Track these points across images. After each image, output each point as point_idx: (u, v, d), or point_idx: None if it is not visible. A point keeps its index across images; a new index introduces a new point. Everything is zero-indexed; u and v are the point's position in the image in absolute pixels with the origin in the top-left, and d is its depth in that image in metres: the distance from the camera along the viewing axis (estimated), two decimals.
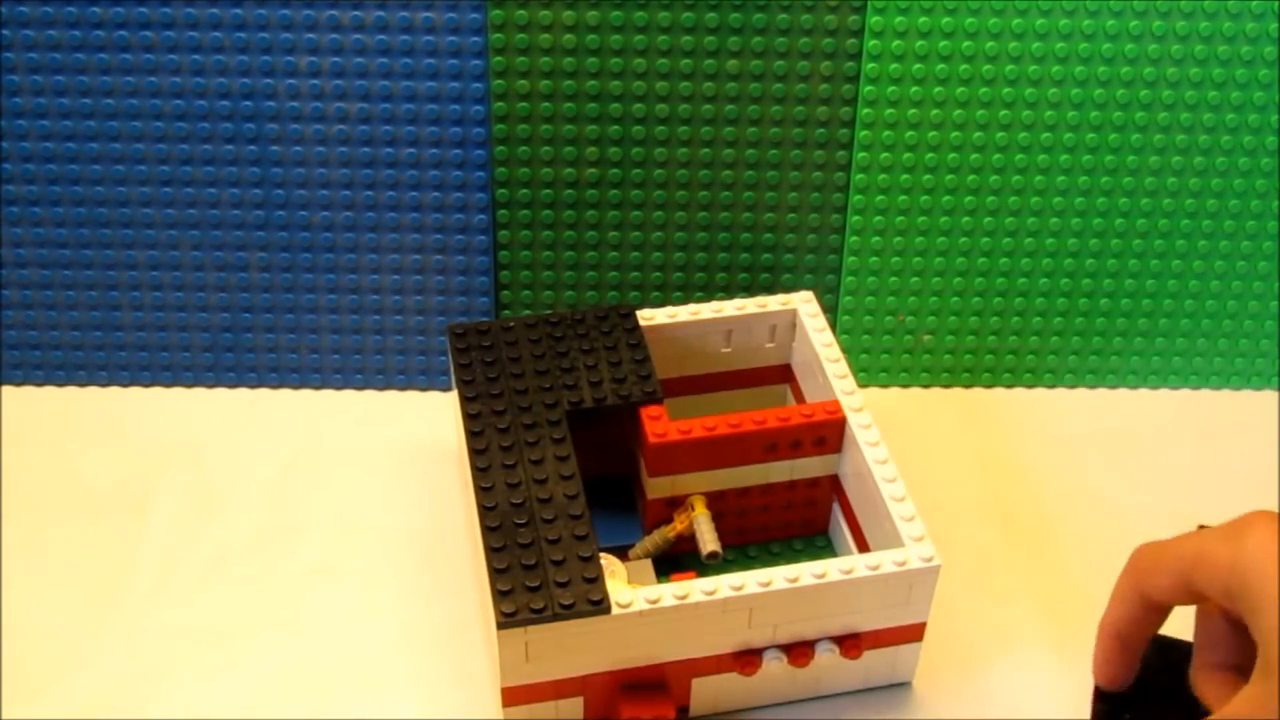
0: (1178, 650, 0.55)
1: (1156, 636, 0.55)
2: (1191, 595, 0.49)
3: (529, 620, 0.50)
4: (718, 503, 0.60)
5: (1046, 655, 0.59)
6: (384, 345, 0.71)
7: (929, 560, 0.53)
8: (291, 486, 0.66)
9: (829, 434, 0.59)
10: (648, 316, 0.63)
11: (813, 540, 0.63)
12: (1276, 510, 0.48)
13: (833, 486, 0.61)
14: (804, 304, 0.64)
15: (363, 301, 0.70)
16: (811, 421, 0.59)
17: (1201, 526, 0.50)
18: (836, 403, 0.59)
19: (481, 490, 0.55)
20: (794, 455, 0.60)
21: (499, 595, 0.51)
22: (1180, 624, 0.51)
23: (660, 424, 0.58)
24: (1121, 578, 0.51)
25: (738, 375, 0.66)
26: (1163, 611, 0.51)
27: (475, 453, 0.56)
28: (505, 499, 0.54)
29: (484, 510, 0.54)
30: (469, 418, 0.58)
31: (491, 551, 0.52)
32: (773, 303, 0.64)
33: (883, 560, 0.53)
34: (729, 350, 0.65)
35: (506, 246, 0.69)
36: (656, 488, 0.60)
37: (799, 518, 0.63)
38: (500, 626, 0.50)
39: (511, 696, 0.53)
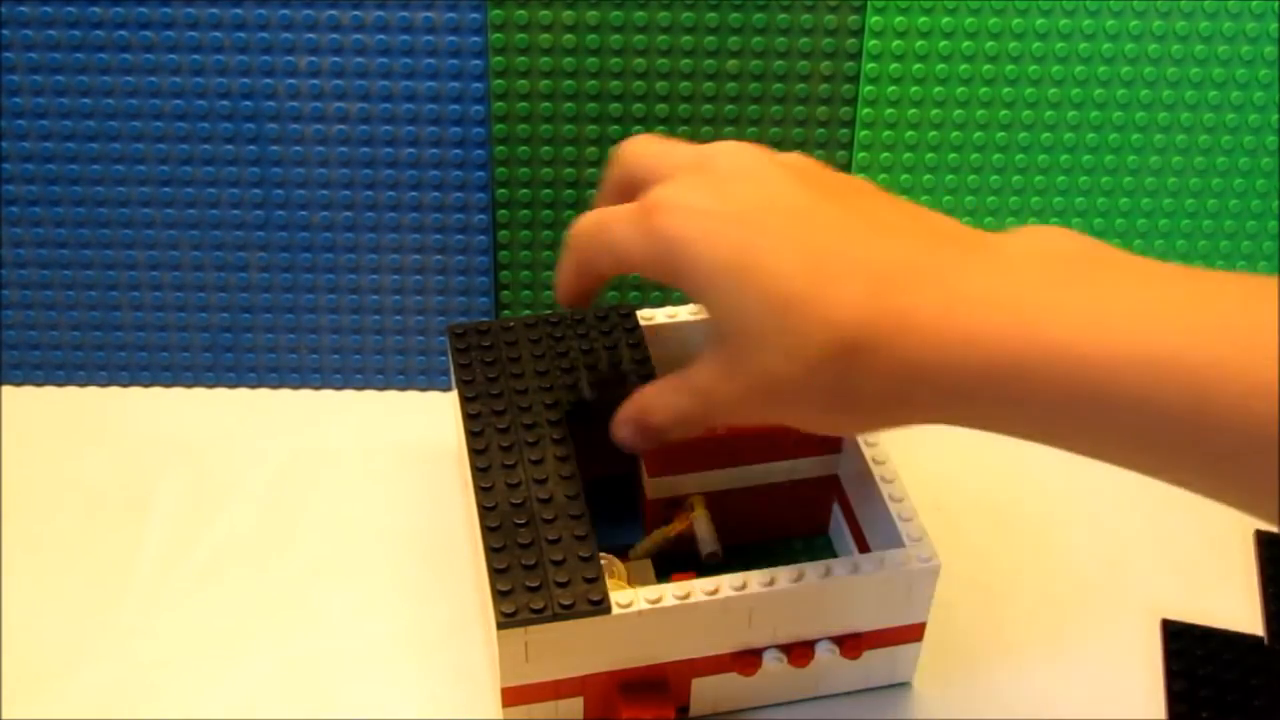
0: (1252, 648, 0.56)
1: (1229, 633, 0.56)
2: (622, 269, 0.50)
3: (529, 620, 0.50)
4: (718, 503, 0.60)
5: (1046, 655, 0.59)
6: (384, 345, 0.71)
7: (929, 560, 0.53)
8: (291, 486, 0.66)
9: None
10: (647, 316, 0.63)
11: (813, 540, 0.63)
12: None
13: (833, 487, 0.61)
14: None
15: (363, 301, 0.70)
16: None
17: None
18: None
19: (481, 490, 0.55)
20: (794, 455, 0.60)
21: (499, 595, 0.51)
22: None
23: None
24: (563, 255, 0.52)
25: None
26: (604, 278, 0.53)
27: (475, 453, 0.56)
28: (505, 499, 0.54)
29: (484, 510, 0.54)
30: (469, 418, 0.58)
31: (491, 551, 0.52)
32: None
33: (882, 560, 0.53)
34: None
35: (506, 246, 0.69)
36: (656, 488, 0.60)
37: (799, 518, 0.62)
38: (500, 626, 0.50)
39: (511, 697, 0.53)
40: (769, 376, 0.45)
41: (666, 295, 0.71)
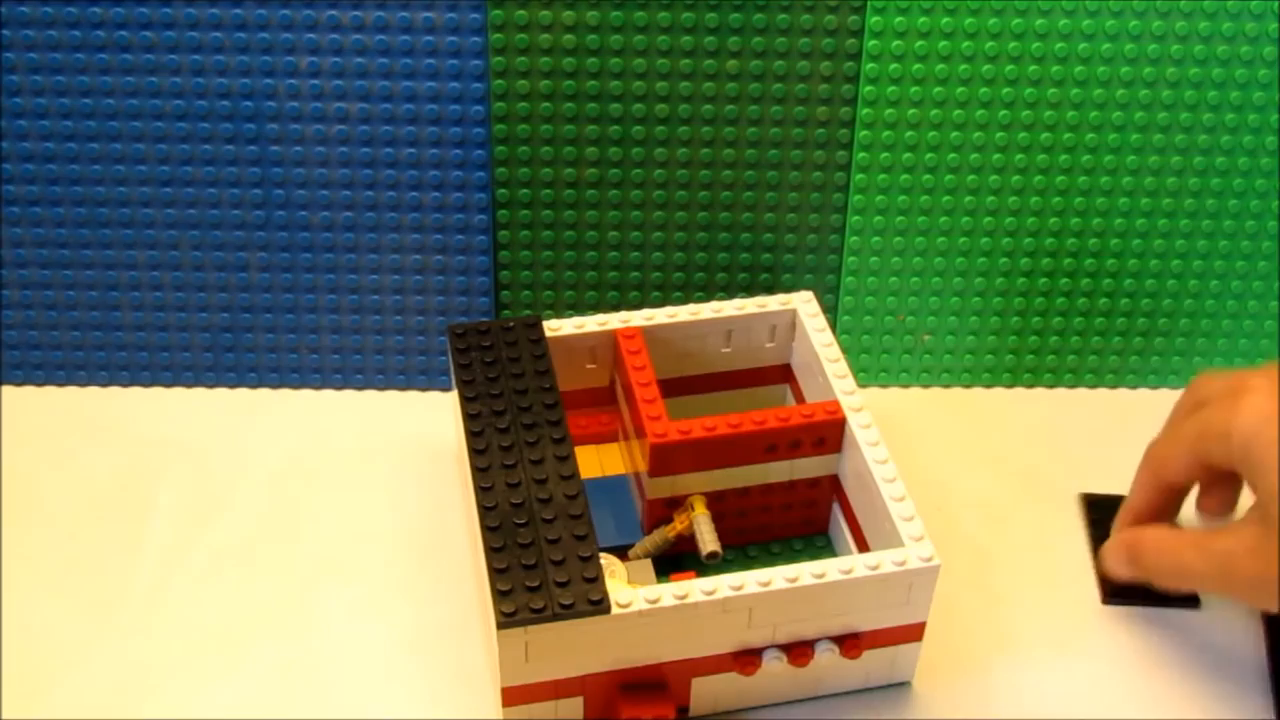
0: None
1: None
2: (1203, 469, 0.54)
3: (529, 620, 0.50)
4: (717, 503, 0.60)
5: (1046, 655, 0.59)
6: (384, 345, 0.71)
7: (928, 560, 0.53)
8: (291, 486, 0.66)
9: (829, 434, 0.59)
10: (648, 316, 0.63)
11: (813, 540, 0.63)
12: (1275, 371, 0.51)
13: (833, 486, 0.61)
14: (804, 304, 0.64)
15: (363, 301, 0.70)
16: (811, 421, 0.59)
17: None
18: (836, 403, 0.59)
19: (481, 490, 0.55)
20: (794, 455, 0.60)
21: (499, 595, 0.51)
22: None
23: (660, 424, 0.58)
24: (1140, 471, 0.57)
25: (738, 375, 0.66)
26: (1180, 493, 0.57)
27: (475, 453, 0.56)
28: (505, 499, 0.54)
29: (484, 510, 0.54)
30: (469, 418, 0.58)
31: (491, 551, 0.52)
32: (772, 303, 0.64)
33: (882, 560, 0.53)
34: (729, 350, 0.65)
35: (506, 246, 0.69)
36: (656, 488, 0.60)
37: (799, 518, 0.62)
38: (500, 626, 0.50)
39: (511, 696, 0.53)
40: None
41: (666, 295, 0.71)
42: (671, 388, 0.64)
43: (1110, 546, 0.58)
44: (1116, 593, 0.60)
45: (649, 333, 0.63)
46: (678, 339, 0.64)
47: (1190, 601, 0.60)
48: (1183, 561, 0.54)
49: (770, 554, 0.63)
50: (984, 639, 0.60)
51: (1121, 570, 0.57)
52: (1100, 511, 0.63)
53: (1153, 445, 0.57)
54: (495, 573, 0.52)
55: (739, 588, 0.52)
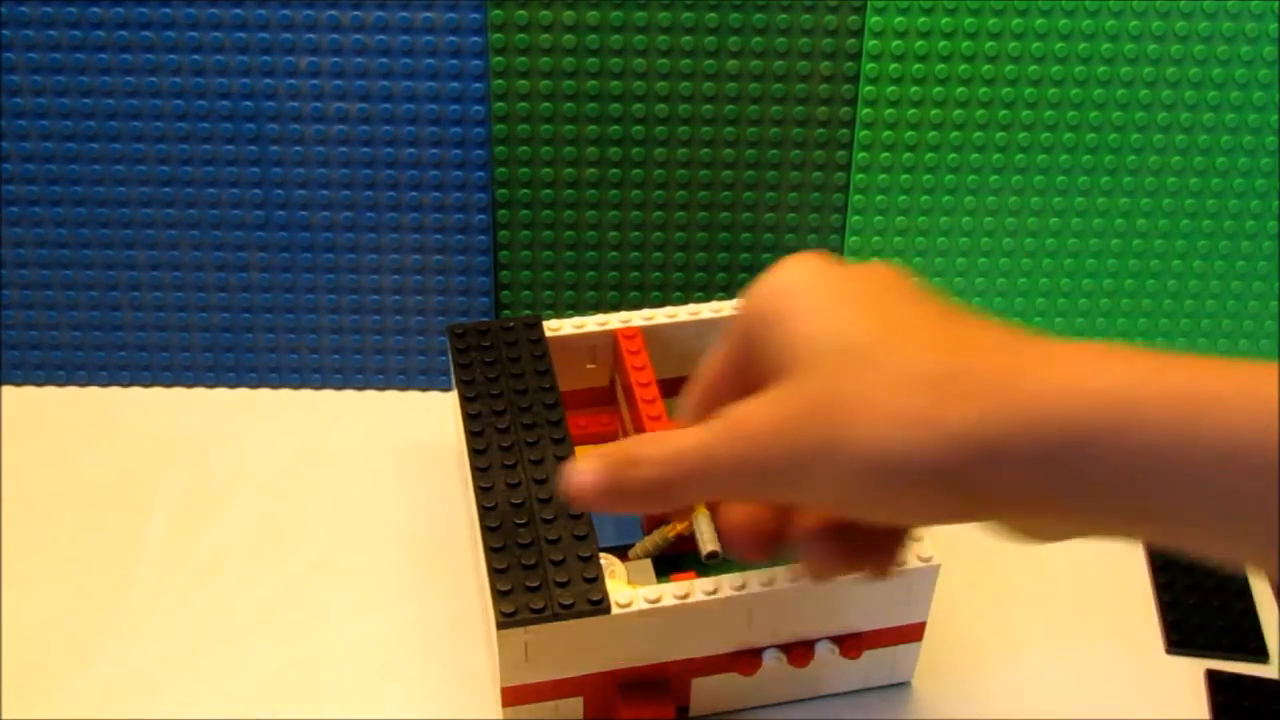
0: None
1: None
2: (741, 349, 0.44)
3: (529, 620, 0.50)
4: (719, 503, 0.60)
5: (1046, 655, 0.59)
6: (384, 345, 0.71)
7: (928, 560, 0.53)
8: (291, 486, 0.66)
9: None
10: (648, 316, 0.63)
11: None
12: None
13: None
14: None
15: (363, 301, 0.70)
16: None
17: None
18: None
19: (481, 490, 0.55)
20: None
21: (499, 595, 0.51)
22: None
23: (660, 424, 0.58)
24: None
25: None
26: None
27: (475, 452, 0.56)
28: (505, 499, 0.54)
29: (484, 510, 0.54)
30: (469, 418, 0.58)
31: (491, 551, 0.52)
32: None
33: None
34: None
35: (506, 246, 0.69)
36: None
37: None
38: (500, 626, 0.50)
39: (511, 696, 0.53)
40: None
41: (666, 295, 0.71)
42: (672, 388, 0.64)
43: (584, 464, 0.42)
44: (1181, 642, 0.58)
45: (649, 333, 0.63)
46: (678, 339, 0.64)
47: (1257, 653, 0.59)
48: (683, 461, 0.40)
49: None
50: (984, 639, 0.60)
51: (596, 497, 0.42)
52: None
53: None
54: (495, 572, 0.52)
55: (739, 587, 0.52)
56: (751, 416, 0.40)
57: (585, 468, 0.42)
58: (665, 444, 0.41)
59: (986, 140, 0.67)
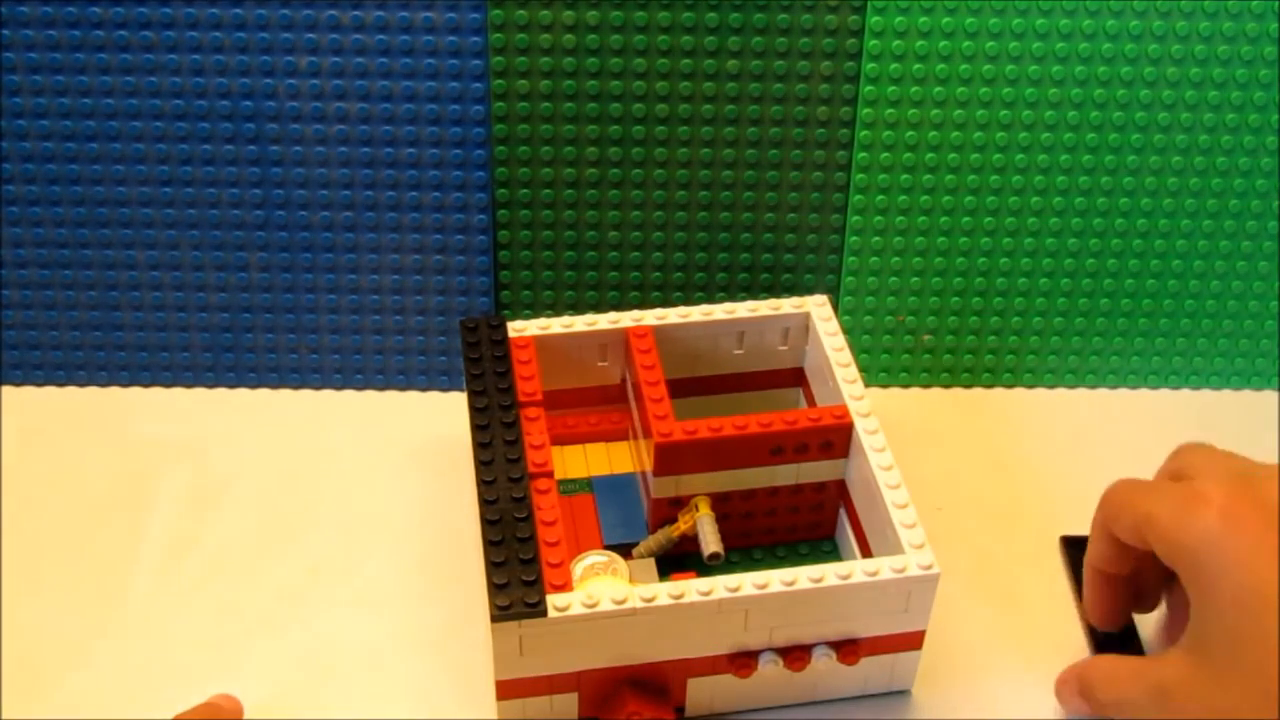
0: None
1: None
2: (1145, 549, 0.51)
3: (523, 614, 0.50)
4: (723, 504, 0.60)
5: (1047, 663, 0.58)
6: (384, 345, 0.71)
7: (928, 568, 0.53)
8: (292, 486, 0.66)
9: (835, 439, 0.59)
10: (660, 315, 0.63)
11: (819, 545, 0.63)
12: (1220, 465, 0.49)
13: (839, 491, 0.61)
14: (817, 307, 0.64)
15: (363, 301, 0.70)
16: (818, 426, 0.59)
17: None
18: (844, 407, 0.59)
19: (484, 484, 0.55)
20: (800, 459, 0.60)
21: (494, 588, 0.51)
22: None
23: (666, 424, 0.58)
24: (1095, 513, 0.54)
25: (750, 378, 0.66)
26: (1131, 550, 0.53)
27: (480, 446, 0.56)
28: (507, 494, 0.55)
29: (485, 504, 0.54)
30: (475, 411, 0.58)
31: (489, 545, 0.52)
32: (786, 305, 0.64)
33: (881, 567, 0.53)
34: (741, 352, 0.65)
35: (506, 246, 0.69)
36: (661, 487, 0.60)
37: (805, 521, 0.62)
38: (494, 619, 0.50)
39: (505, 690, 0.53)
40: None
41: (667, 295, 0.71)
42: (684, 388, 0.64)
43: (1062, 679, 0.56)
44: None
45: (661, 333, 0.62)
46: (690, 339, 0.64)
47: None
48: (1125, 694, 0.51)
49: (775, 557, 0.62)
50: (985, 645, 0.59)
51: (1075, 705, 0.55)
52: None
53: (1108, 495, 0.54)
54: (492, 566, 0.52)
55: (735, 589, 0.52)
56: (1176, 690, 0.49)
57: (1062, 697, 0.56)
58: (1143, 681, 0.51)
59: (986, 140, 0.67)
